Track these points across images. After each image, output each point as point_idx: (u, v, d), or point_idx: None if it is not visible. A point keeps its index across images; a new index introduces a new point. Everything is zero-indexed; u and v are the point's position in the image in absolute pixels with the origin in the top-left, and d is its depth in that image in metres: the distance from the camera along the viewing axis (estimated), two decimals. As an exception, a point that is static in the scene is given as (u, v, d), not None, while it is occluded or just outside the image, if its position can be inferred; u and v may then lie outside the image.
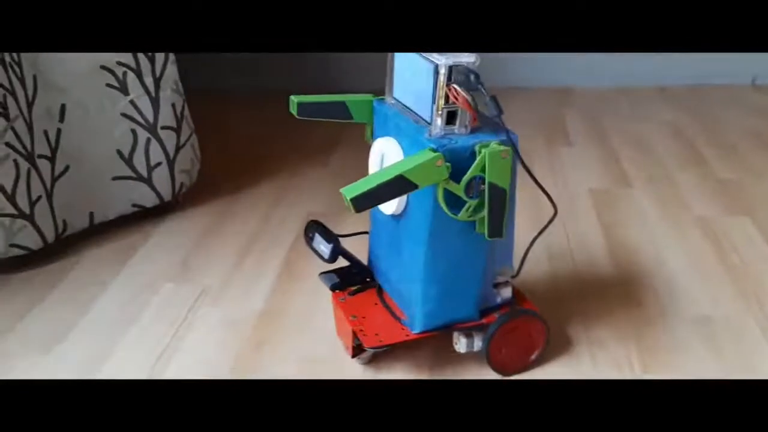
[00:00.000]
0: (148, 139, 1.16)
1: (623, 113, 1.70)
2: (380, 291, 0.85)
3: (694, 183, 1.31)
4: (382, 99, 0.79)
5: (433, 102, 0.71)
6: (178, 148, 1.19)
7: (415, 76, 0.73)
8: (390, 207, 0.76)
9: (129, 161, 1.15)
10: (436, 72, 0.69)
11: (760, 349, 0.87)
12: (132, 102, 1.13)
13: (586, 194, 1.28)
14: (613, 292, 0.98)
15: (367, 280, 0.86)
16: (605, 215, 1.20)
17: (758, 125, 1.59)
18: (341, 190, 0.66)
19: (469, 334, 0.81)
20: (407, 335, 0.78)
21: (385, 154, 0.76)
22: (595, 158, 1.44)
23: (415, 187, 0.69)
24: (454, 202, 0.72)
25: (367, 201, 0.67)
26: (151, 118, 1.15)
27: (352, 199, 0.66)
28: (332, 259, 0.81)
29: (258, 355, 0.88)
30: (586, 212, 1.21)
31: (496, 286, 0.81)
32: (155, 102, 1.15)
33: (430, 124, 0.72)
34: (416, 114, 0.74)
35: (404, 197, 0.74)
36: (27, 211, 1.03)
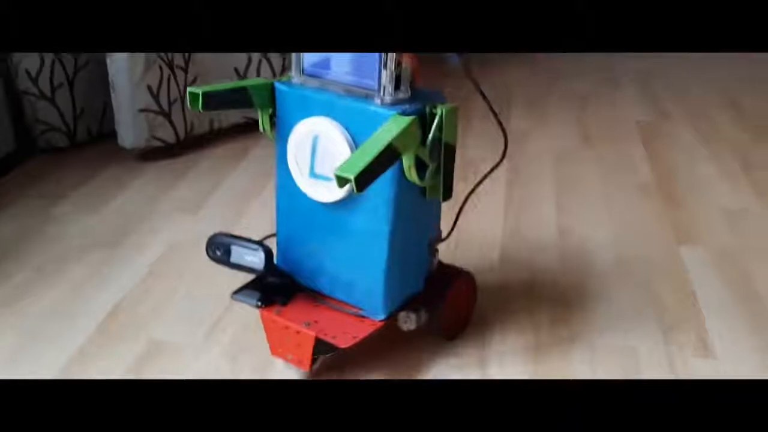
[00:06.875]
0: (260, 60, 1.37)
1: (671, 70, 1.86)
2: (313, 291, 0.76)
3: (728, 122, 1.49)
4: (286, 81, 0.72)
5: (385, 67, 0.66)
6: (281, 72, 1.40)
7: None
8: (335, 193, 0.70)
9: (242, 78, 1.37)
10: None
11: None
12: (249, 27, 1.34)
13: (633, 125, 1.47)
14: (655, 192, 1.18)
15: (286, 283, 0.76)
16: (648, 139, 1.40)
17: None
18: (336, 172, 0.59)
19: (416, 309, 0.76)
20: (373, 324, 0.72)
21: (320, 135, 0.69)
22: (643, 99, 1.63)
23: (399, 156, 0.64)
24: (418, 168, 0.68)
25: (367, 177, 0.60)
26: (264, 42, 1.36)
27: (356, 178, 0.58)
28: (267, 267, 0.70)
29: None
30: (632, 137, 1.41)
31: (433, 253, 0.78)
32: (268, 28, 1.36)
33: (376, 91, 0.67)
34: (351, 85, 0.68)
35: None
36: (166, 109, 1.26)
